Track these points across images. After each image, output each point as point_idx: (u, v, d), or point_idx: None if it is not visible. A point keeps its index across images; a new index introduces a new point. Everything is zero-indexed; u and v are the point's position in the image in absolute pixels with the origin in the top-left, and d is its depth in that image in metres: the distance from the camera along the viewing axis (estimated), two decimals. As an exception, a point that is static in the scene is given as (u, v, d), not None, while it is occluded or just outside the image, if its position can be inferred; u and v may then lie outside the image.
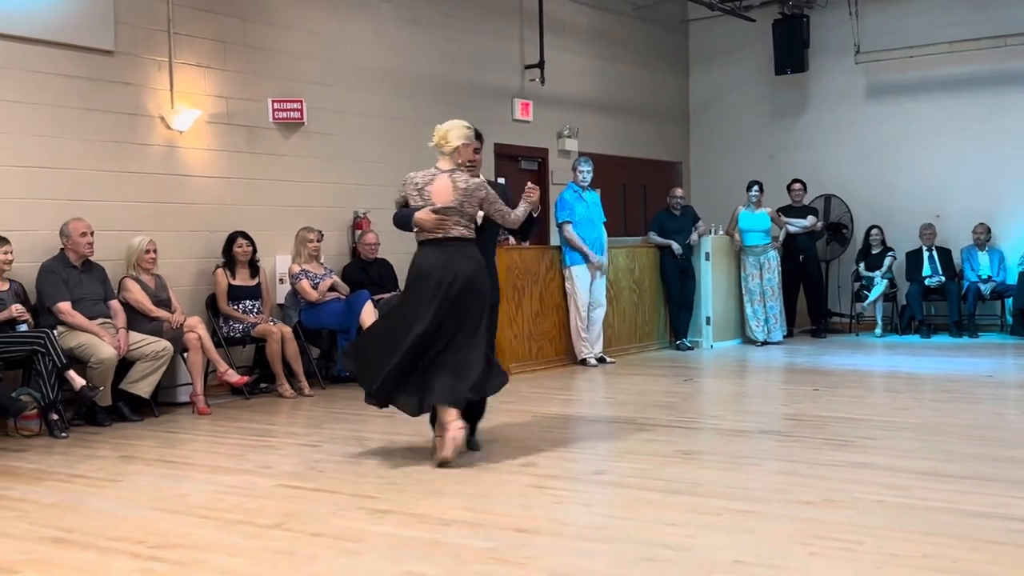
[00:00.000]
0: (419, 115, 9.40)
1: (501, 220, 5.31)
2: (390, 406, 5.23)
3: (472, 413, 5.33)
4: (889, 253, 11.22)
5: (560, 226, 9.12)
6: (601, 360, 9.15)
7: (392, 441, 5.75)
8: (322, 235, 8.24)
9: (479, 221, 5.27)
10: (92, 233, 6.71)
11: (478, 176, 5.33)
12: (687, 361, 9.45)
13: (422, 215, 5.12)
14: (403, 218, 5.26)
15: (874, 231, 11.35)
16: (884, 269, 11.14)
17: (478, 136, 5.38)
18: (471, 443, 5.34)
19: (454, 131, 5.25)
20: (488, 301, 5.18)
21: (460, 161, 5.25)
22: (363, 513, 4.22)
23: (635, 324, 10.08)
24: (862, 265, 11.35)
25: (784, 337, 10.73)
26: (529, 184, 5.46)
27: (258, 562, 3.61)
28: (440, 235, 5.12)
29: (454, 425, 4.99)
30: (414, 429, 6.10)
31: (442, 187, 5.17)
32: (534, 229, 5.69)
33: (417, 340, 5.02)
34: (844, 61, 11.93)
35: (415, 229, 5.20)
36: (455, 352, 5.04)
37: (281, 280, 8.27)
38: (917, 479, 4.59)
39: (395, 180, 9.87)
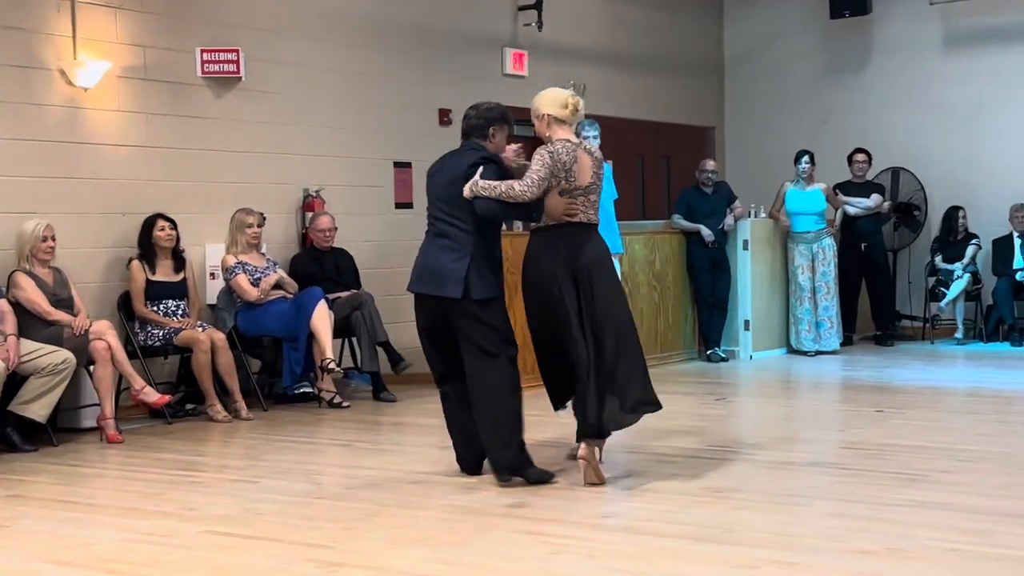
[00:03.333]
0: (386, 69, 9.38)
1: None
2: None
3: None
4: (973, 241, 11.23)
5: None
6: (613, 375, 9.13)
7: (351, 476, 5.74)
8: (264, 219, 8.23)
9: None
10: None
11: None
12: (720, 376, 9.45)
13: (555, 201, 5.43)
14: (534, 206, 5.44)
15: (959, 214, 11.35)
16: (966, 261, 11.15)
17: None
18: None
19: (578, 98, 5.59)
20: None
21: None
22: (312, 567, 4.21)
23: (655, 329, 10.08)
24: (939, 257, 11.35)
25: (841, 346, 10.74)
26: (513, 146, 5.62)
27: (178, 628, 3.60)
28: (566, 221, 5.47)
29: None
30: (378, 461, 6.09)
31: (585, 163, 5.49)
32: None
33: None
34: (916, 3, 11.92)
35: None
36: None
37: (212, 275, 8.25)
38: (1002, 523, 4.59)
39: (355, 150, 9.87)
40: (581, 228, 5.50)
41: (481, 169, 5.40)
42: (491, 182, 5.37)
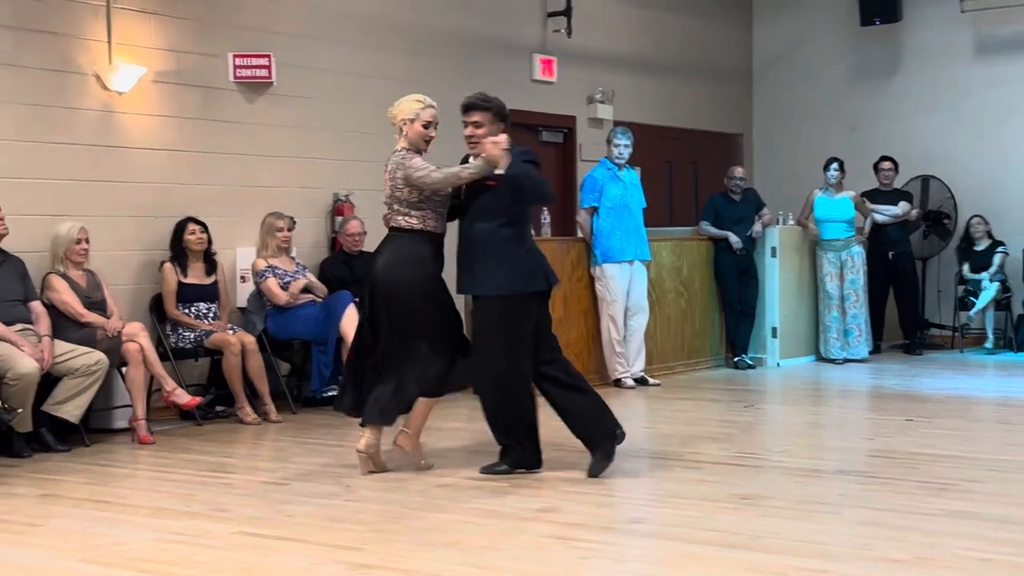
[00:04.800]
0: (416, 75, 9.40)
1: (424, 184, 5.66)
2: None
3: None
4: (999, 249, 11.15)
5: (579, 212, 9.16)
6: (641, 381, 9.13)
7: (380, 478, 5.76)
8: (294, 223, 8.27)
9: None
10: (1, 209, 6.72)
11: (492, 154, 5.59)
12: (747, 383, 9.43)
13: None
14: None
15: (975, 221, 11.29)
16: (994, 269, 11.07)
17: (474, 107, 5.71)
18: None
19: (402, 105, 5.83)
20: (412, 296, 5.69)
21: (411, 138, 5.77)
22: (341, 568, 4.22)
23: (683, 336, 10.06)
24: (966, 266, 11.28)
25: (869, 354, 10.69)
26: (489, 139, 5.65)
27: (210, 628, 3.63)
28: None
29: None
30: (406, 464, 6.10)
31: (386, 172, 5.83)
32: (528, 186, 5.71)
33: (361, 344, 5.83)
34: (947, 9, 11.87)
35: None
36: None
37: (243, 278, 8.29)
38: (1035, 533, 4.57)
39: (385, 155, 9.91)
40: (392, 231, 5.82)
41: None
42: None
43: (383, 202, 5.88)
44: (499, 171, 5.56)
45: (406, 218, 5.73)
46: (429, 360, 5.69)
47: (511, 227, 5.71)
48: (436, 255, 5.78)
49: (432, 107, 5.81)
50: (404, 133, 5.80)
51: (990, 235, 11.27)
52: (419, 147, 5.79)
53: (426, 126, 5.78)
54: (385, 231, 5.89)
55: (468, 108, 5.75)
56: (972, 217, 11.32)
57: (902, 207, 11.07)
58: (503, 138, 5.60)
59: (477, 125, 5.69)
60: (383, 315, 5.72)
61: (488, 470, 5.74)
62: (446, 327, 5.78)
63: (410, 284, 5.68)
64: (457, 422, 7.17)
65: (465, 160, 5.84)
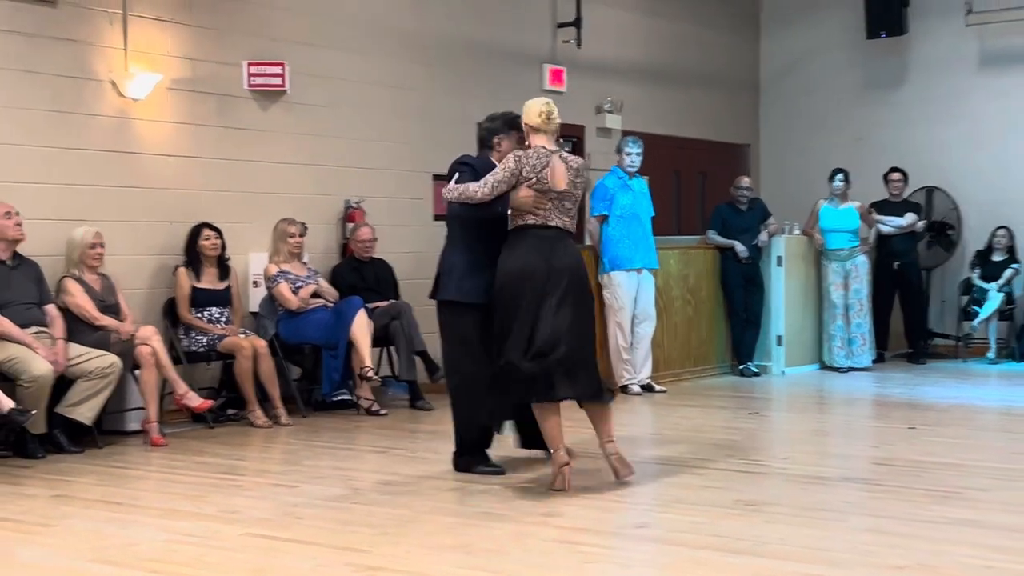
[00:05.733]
0: (427, 83, 9.41)
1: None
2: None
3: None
4: (1012, 265, 11.11)
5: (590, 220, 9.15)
6: (647, 388, 9.12)
7: (388, 482, 5.75)
8: (306, 229, 8.27)
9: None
10: (18, 214, 6.74)
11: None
12: (752, 390, 9.41)
13: (522, 194, 5.57)
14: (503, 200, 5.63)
15: (1000, 232, 11.24)
16: (1003, 282, 11.03)
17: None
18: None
19: (552, 106, 5.71)
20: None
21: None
22: (349, 570, 4.22)
23: (689, 344, 10.04)
24: (977, 272, 11.24)
25: (873, 362, 10.66)
26: None
27: (219, 628, 3.62)
28: (538, 222, 5.59)
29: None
30: (414, 468, 6.10)
31: (560, 169, 5.63)
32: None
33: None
34: (952, 22, 11.85)
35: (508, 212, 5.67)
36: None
37: (255, 283, 8.30)
38: (1037, 541, 4.55)
39: (396, 162, 9.94)
40: (555, 231, 5.62)
41: (457, 175, 5.73)
42: (456, 185, 5.66)
43: (566, 208, 5.64)
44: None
45: (564, 217, 5.68)
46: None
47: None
48: None
49: None
50: (556, 136, 5.81)
51: (1010, 250, 11.23)
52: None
53: None
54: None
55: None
56: (999, 228, 11.27)
57: (908, 218, 11.04)
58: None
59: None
60: (568, 304, 5.58)
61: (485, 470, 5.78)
62: None
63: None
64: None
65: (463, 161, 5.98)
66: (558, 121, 5.73)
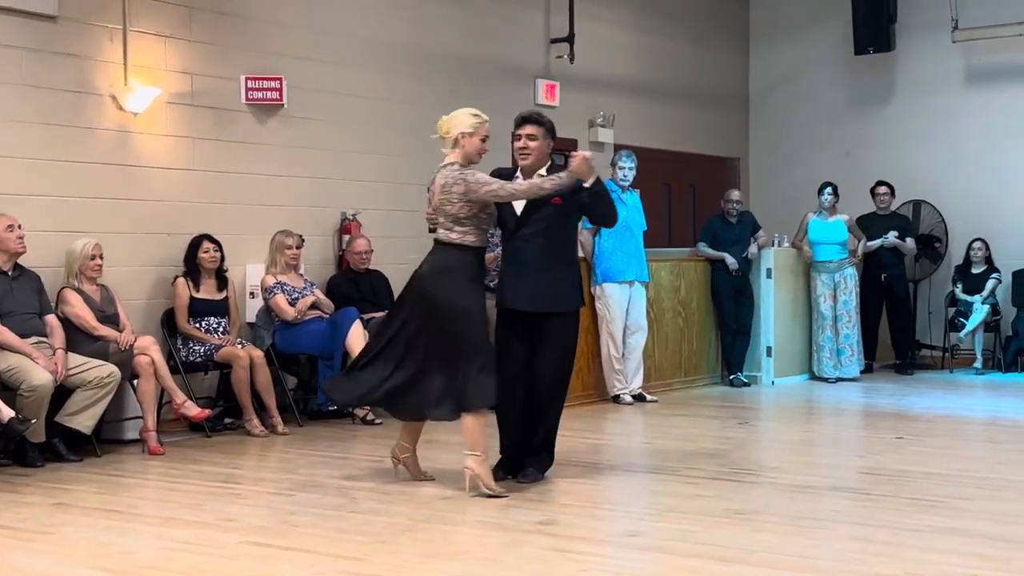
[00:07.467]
0: (422, 97, 9.43)
1: (498, 198, 5.63)
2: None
3: None
4: (993, 275, 11.14)
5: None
6: (639, 398, 9.13)
7: (384, 491, 5.75)
8: (303, 240, 8.28)
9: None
10: (20, 227, 6.75)
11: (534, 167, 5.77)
12: (742, 400, 9.42)
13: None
14: None
15: (976, 245, 11.29)
16: (986, 293, 11.06)
17: (531, 120, 5.80)
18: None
19: (456, 119, 5.69)
20: (448, 307, 5.55)
21: (467, 152, 5.65)
22: (345, 578, 4.23)
23: (680, 354, 10.05)
24: (959, 287, 11.28)
25: (861, 373, 10.68)
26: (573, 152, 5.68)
27: (217, 635, 3.62)
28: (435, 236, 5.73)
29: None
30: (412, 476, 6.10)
31: (437, 185, 5.70)
32: (603, 205, 5.82)
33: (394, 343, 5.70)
34: (939, 39, 11.91)
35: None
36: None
37: (252, 294, 8.30)
38: (1020, 550, 4.57)
39: (391, 175, 9.96)
40: (437, 244, 5.73)
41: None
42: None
43: (426, 216, 5.87)
44: (586, 184, 5.61)
45: (448, 232, 5.64)
46: (459, 373, 5.57)
47: (569, 243, 5.88)
48: (478, 269, 5.70)
49: (487, 121, 5.76)
50: (460, 146, 5.67)
51: (988, 260, 11.27)
52: (473, 161, 5.72)
53: (484, 140, 5.71)
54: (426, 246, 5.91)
55: (525, 120, 5.83)
56: (974, 240, 11.32)
57: (889, 237, 10.98)
58: (589, 154, 5.64)
59: (531, 137, 5.77)
60: (416, 317, 5.63)
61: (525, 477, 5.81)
62: (480, 343, 5.59)
63: (448, 296, 5.57)
64: (459, 436, 7.16)
65: (496, 172, 5.89)
66: (453, 133, 5.67)
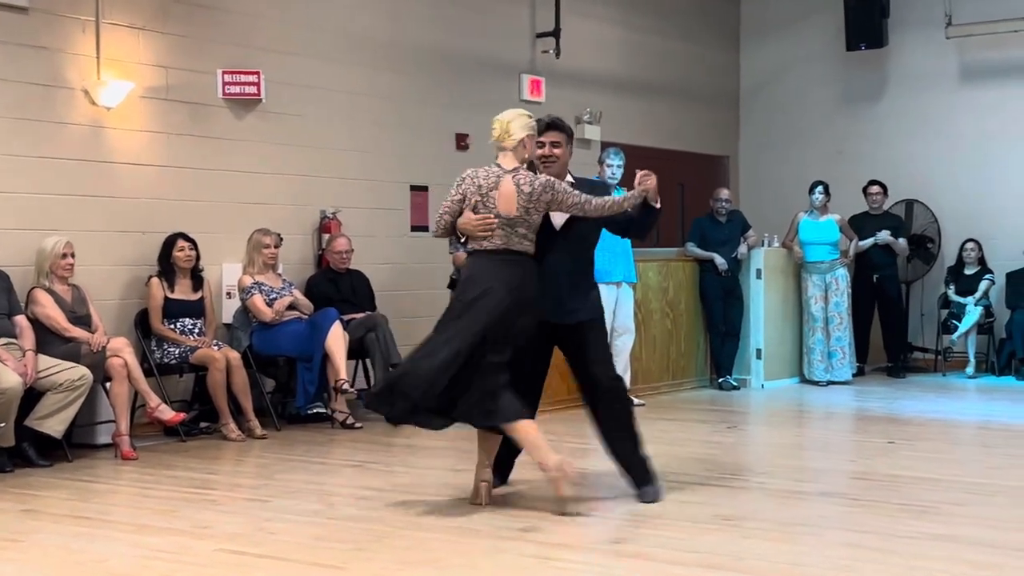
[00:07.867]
0: (405, 94, 9.42)
1: (583, 212, 5.48)
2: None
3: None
4: (987, 276, 11.18)
5: None
6: (625, 401, 9.12)
7: (362, 496, 5.74)
8: (281, 239, 8.26)
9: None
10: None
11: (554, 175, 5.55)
12: (731, 404, 9.43)
13: (463, 219, 5.39)
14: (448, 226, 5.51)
15: (969, 245, 11.33)
16: (979, 295, 11.10)
17: (555, 127, 5.66)
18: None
19: (516, 121, 5.49)
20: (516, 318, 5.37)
21: (526, 157, 5.51)
22: (322, 586, 4.21)
23: (668, 357, 10.06)
24: (952, 288, 11.32)
25: (853, 376, 10.71)
26: (640, 172, 5.61)
27: (189, 645, 3.61)
28: (489, 246, 5.37)
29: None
30: (389, 483, 6.09)
31: (507, 192, 5.37)
32: (653, 223, 5.85)
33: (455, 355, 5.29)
34: (932, 35, 11.95)
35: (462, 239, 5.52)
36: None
37: (229, 294, 8.28)
38: (1012, 556, 4.57)
39: (372, 173, 9.95)
40: (508, 253, 5.38)
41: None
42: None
43: (499, 225, 5.33)
44: (656, 205, 5.63)
45: (522, 241, 5.39)
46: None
47: (591, 257, 5.82)
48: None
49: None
50: (523, 149, 5.47)
51: (981, 261, 11.31)
52: (535, 166, 5.59)
53: (540, 145, 5.59)
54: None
55: (550, 127, 5.66)
56: (967, 241, 11.36)
57: (881, 235, 11.02)
58: (651, 176, 5.59)
59: (556, 145, 5.64)
60: (500, 329, 5.33)
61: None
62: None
63: (532, 311, 5.41)
64: (441, 440, 7.15)
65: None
66: (517, 136, 5.44)
